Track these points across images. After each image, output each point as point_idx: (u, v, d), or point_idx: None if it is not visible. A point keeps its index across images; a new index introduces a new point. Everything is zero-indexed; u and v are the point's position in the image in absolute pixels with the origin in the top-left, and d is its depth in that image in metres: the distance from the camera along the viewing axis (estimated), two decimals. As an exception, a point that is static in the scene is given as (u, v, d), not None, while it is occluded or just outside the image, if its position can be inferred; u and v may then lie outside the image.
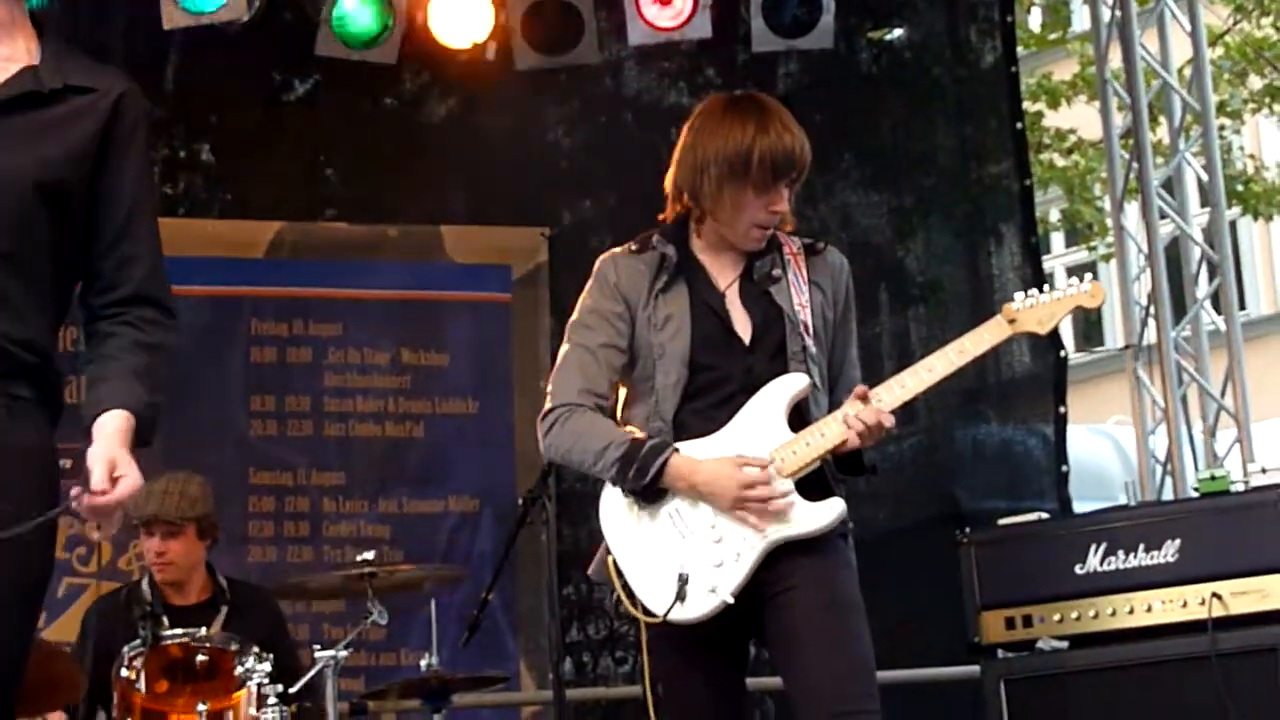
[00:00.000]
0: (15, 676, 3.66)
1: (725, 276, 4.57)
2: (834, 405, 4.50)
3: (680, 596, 4.29)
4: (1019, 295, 4.57)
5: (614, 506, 4.48)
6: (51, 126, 3.64)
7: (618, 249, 4.66)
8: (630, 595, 4.40)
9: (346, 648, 5.75)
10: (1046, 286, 4.59)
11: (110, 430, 3.60)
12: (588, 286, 4.65)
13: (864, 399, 4.37)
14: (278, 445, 8.47)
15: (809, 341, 4.50)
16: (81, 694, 5.74)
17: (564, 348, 4.62)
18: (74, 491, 3.57)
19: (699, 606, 4.31)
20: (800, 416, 4.46)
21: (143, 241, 3.78)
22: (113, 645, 5.61)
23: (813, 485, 4.41)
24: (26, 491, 3.59)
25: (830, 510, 4.38)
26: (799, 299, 4.54)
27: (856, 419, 4.34)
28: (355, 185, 8.99)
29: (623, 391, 4.59)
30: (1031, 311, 4.53)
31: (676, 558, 4.34)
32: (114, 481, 3.55)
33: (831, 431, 4.38)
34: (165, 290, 3.82)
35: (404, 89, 8.95)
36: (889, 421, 4.38)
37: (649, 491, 4.37)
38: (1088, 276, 4.66)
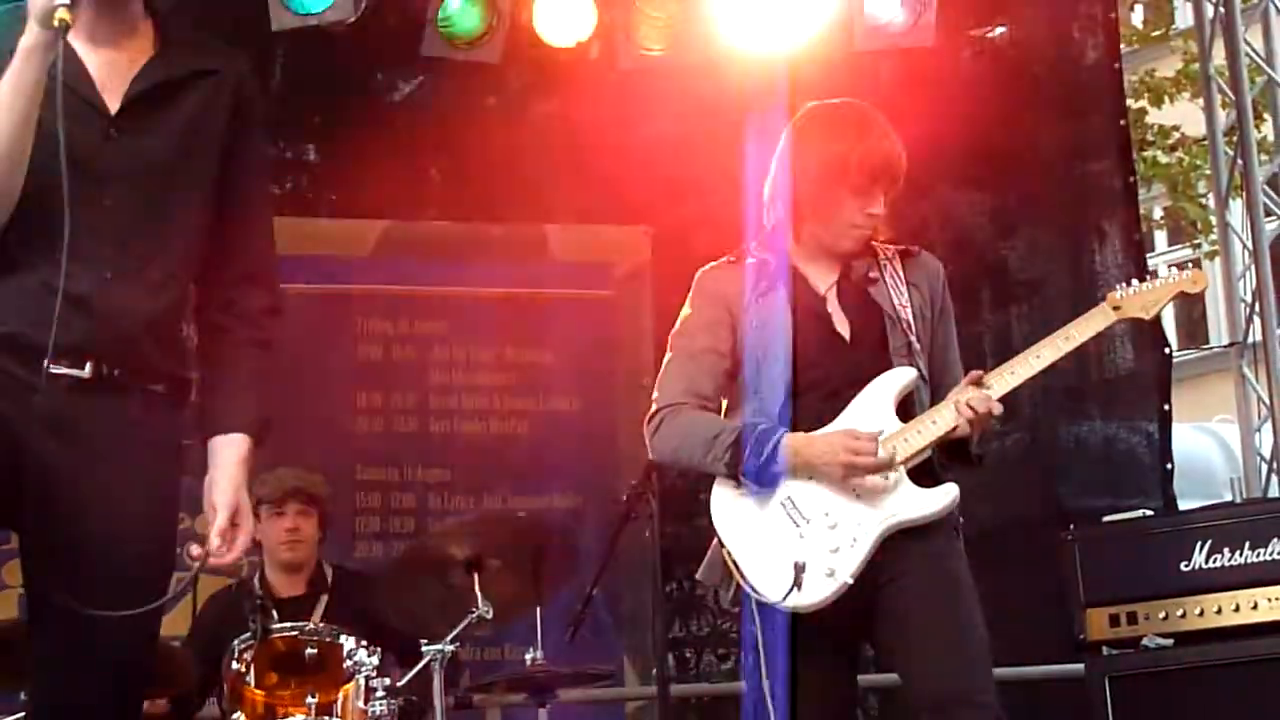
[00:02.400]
0: (141, 661, 3.79)
1: (824, 280, 4.61)
2: (937, 403, 4.52)
3: (797, 584, 4.31)
4: (1121, 284, 4.60)
5: (724, 500, 4.51)
6: (186, 111, 3.76)
7: (715, 263, 4.71)
8: (749, 585, 4.42)
9: (453, 642, 5.80)
10: (1152, 272, 4.61)
11: (233, 462, 3.76)
12: (689, 298, 4.70)
13: (978, 384, 4.39)
14: (383, 442, 8.57)
15: (911, 337, 4.53)
16: (192, 685, 5.81)
17: (667, 357, 4.68)
18: (195, 551, 3.72)
19: (818, 592, 4.33)
20: (908, 410, 4.48)
21: (259, 224, 3.95)
22: (224, 638, 5.68)
23: (923, 474, 4.44)
24: (159, 477, 3.74)
25: (945, 495, 4.41)
26: (898, 299, 4.57)
27: (967, 405, 4.37)
28: (459, 184, 9.05)
29: (726, 401, 4.62)
30: (1136, 298, 4.56)
31: (791, 546, 4.37)
32: (234, 528, 3.71)
33: (943, 418, 4.40)
34: (273, 272, 3.96)
35: (508, 88, 9.00)
36: (997, 409, 4.41)
37: (764, 474, 4.39)
38: (1189, 264, 4.68)
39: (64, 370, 3.59)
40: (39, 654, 3.74)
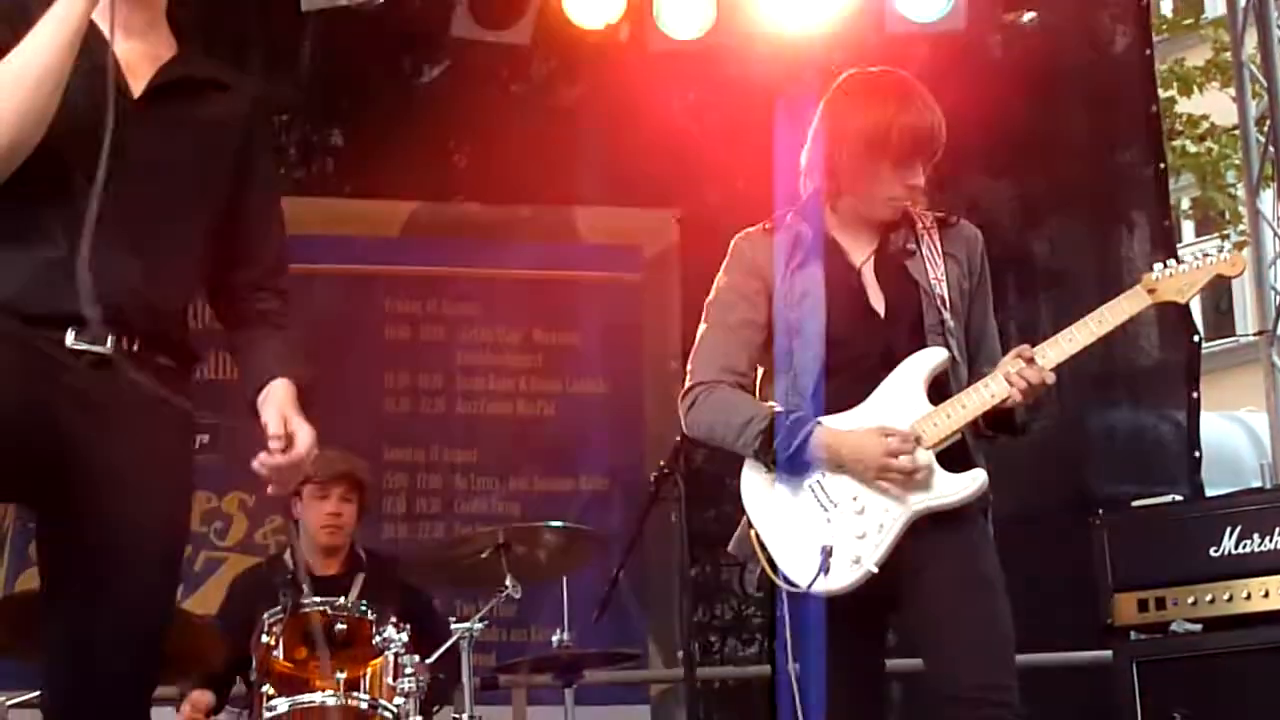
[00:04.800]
0: (158, 636, 3.79)
1: (860, 252, 4.57)
2: (974, 376, 4.49)
3: (824, 568, 4.30)
4: (1158, 266, 4.52)
5: (755, 482, 4.50)
6: (203, 110, 3.87)
7: (752, 229, 4.67)
8: (773, 568, 4.42)
9: (481, 620, 5.81)
10: (1186, 256, 4.57)
11: (280, 395, 3.82)
12: (724, 266, 4.66)
13: (1029, 360, 4.37)
14: (411, 423, 8.59)
15: (946, 314, 4.49)
16: (221, 663, 5.82)
17: (702, 327, 4.64)
18: (260, 458, 3.76)
19: (843, 577, 4.32)
20: (939, 390, 4.46)
21: (275, 231, 4.05)
22: (255, 614, 5.69)
23: (954, 458, 4.42)
24: (177, 453, 3.81)
25: (973, 481, 4.38)
26: (935, 272, 4.53)
27: (1019, 376, 4.35)
28: (487, 167, 9.07)
29: (760, 370, 4.61)
30: (1171, 281, 4.50)
31: (819, 530, 4.35)
32: (289, 437, 3.75)
33: (973, 402, 4.38)
34: (288, 271, 4.06)
35: (536, 71, 9.01)
36: (1050, 379, 4.38)
37: (793, 464, 4.38)
38: (1226, 245, 4.63)
39: (86, 346, 3.65)
40: (53, 636, 3.76)
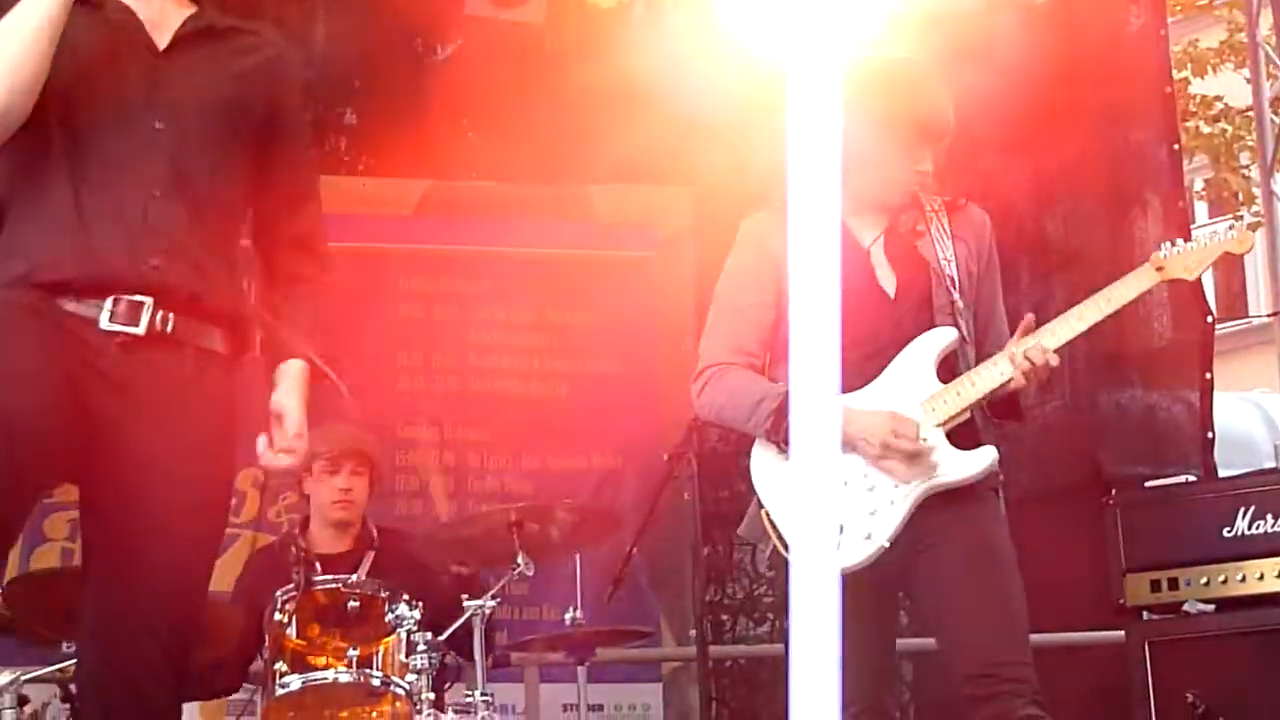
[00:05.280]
0: (189, 616, 3.84)
1: (869, 234, 4.59)
2: (981, 359, 4.51)
3: (836, 545, 4.30)
4: (1165, 244, 4.55)
5: (765, 461, 4.52)
6: (228, 56, 3.95)
7: (759, 212, 4.69)
8: (785, 547, 4.42)
9: (493, 598, 5.82)
10: (1196, 236, 4.57)
11: (295, 379, 3.94)
12: (733, 249, 4.69)
13: (1031, 330, 4.37)
14: (424, 401, 8.60)
15: (955, 295, 4.51)
16: (236, 640, 5.83)
17: (712, 310, 4.67)
18: (263, 446, 3.84)
19: (855, 554, 4.34)
20: (949, 369, 4.48)
21: (309, 189, 4.12)
22: (268, 592, 5.70)
23: (963, 436, 4.42)
24: (212, 434, 3.86)
25: (983, 458, 4.40)
26: (944, 253, 4.55)
27: (1024, 357, 4.35)
28: (501, 145, 9.07)
29: (770, 352, 4.62)
30: (1179, 258, 4.52)
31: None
32: (297, 437, 3.89)
33: (983, 380, 4.39)
34: (323, 232, 4.14)
35: (550, 49, 8.99)
36: (1054, 360, 4.40)
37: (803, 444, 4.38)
38: (1233, 223, 4.63)
39: (119, 328, 3.69)
40: (86, 612, 3.78)
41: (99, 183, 3.74)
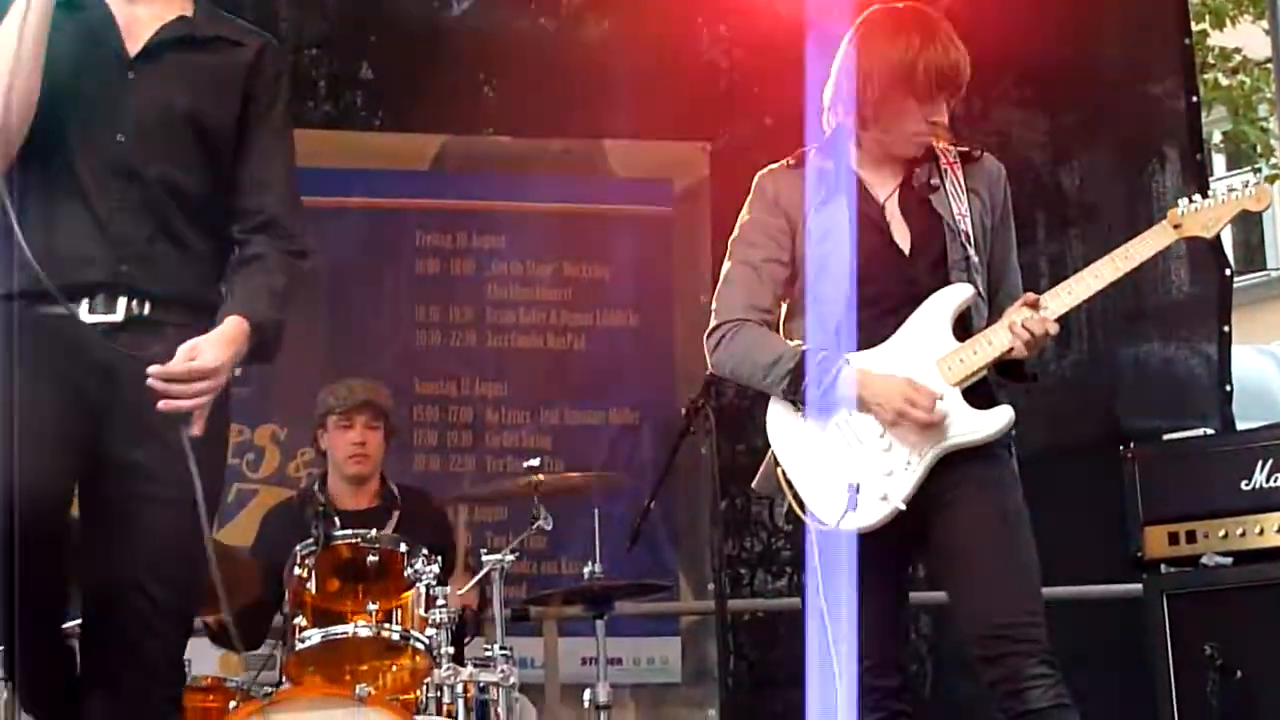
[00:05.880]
0: (183, 579, 3.93)
1: (884, 188, 4.57)
2: (995, 312, 4.50)
3: (852, 504, 4.32)
4: (1183, 201, 4.50)
5: (781, 418, 4.51)
6: (203, 69, 4.00)
7: (775, 164, 4.67)
8: (801, 505, 4.43)
9: (512, 553, 5.84)
10: (1211, 191, 4.54)
11: (220, 330, 3.88)
12: (747, 203, 4.67)
13: (1033, 306, 4.37)
14: (441, 356, 8.62)
15: (970, 250, 4.49)
16: (256, 595, 5.85)
17: (726, 264, 4.65)
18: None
19: (871, 514, 4.34)
20: (964, 326, 4.47)
21: (279, 181, 4.13)
22: (288, 547, 5.72)
23: (978, 395, 4.42)
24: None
25: (1000, 417, 4.39)
26: (958, 208, 4.53)
27: (1023, 327, 4.34)
28: (517, 100, 9.04)
29: (785, 305, 4.61)
30: (1196, 216, 4.47)
31: (846, 467, 4.37)
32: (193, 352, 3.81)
33: (999, 339, 4.38)
34: (301, 226, 4.15)
35: (566, 4, 8.99)
36: (1054, 329, 4.38)
37: (822, 403, 4.39)
38: (1251, 179, 4.60)
39: (99, 319, 3.83)
40: (86, 572, 3.89)
41: (67, 193, 3.86)
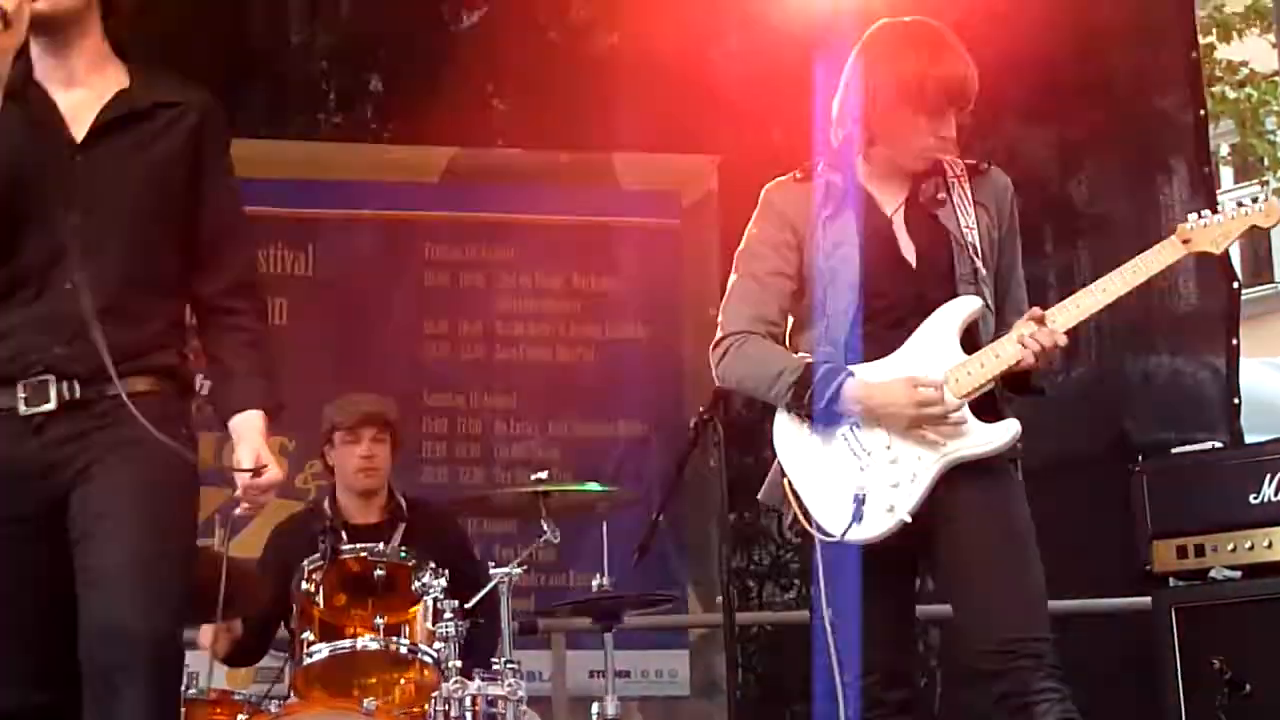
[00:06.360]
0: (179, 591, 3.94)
1: (891, 201, 4.57)
2: (1001, 325, 4.50)
3: (857, 516, 4.32)
4: (1192, 216, 4.48)
5: (787, 429, 4.51)
6: (149, 138, 4.07)
7: (783, 177, 4.67)
8: (806, 517, 4.43)
9: (520, 565, 5.84)
10: (1220, 206, 4.53)
11: (252, 429, 4.09)
12: (754, 216, 4.66)
13: (1040, 321, 4.37)
14: (450, 368, 8.63)
15: (978, 263, 4.48)
16: (263, 608, 5.85)
17: (733, 277, 4.65)
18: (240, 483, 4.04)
19: (877, 526, 4.34)
20: (971, 339, 4.46)
21: (240, 236, 4.26)
22: (295, 561, 5.72)
23: (985, 408, 4.42)
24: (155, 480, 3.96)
25: (1006, 430, 4.38)
26: (965, 221, 4.52)
27: (1033, 339, 4.34)
28: (526, 113, 9.06)
29: (791, 319, 4.61)
30: (1205, 231, 4.46)
31: (852, 478, 4.36)
32: (261, 470, 4.04)
33: (1006, 352, 4.38)
34: (257, 278, 4.31)
35: (574, 17, 9.00)
36: (1063, 341, 4.37)
37: (827, 415, 4.39)
38: (1262, 195, 4.58)
39: (34, 410, 3.91)
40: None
41: (18, 280, 3.95)
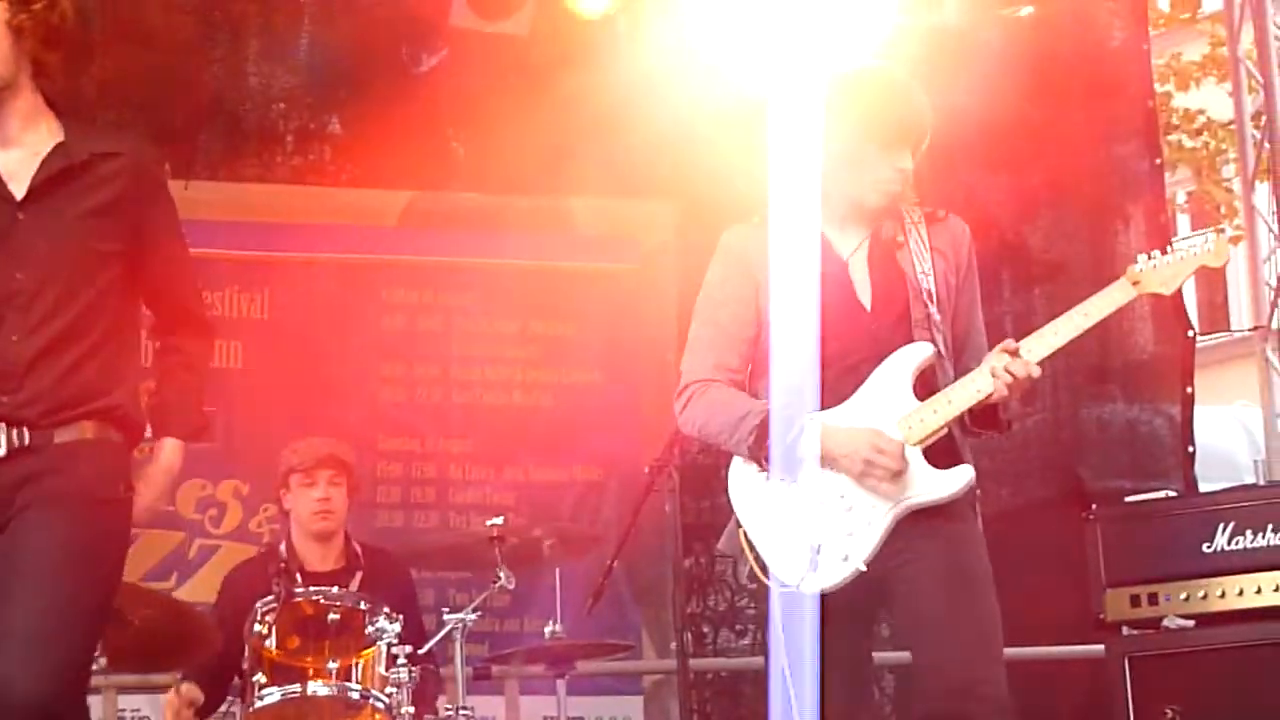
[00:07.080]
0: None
1: (848, 245, 4.59)
2: (960, 372, 4.51)
3: (814, 565, 4.32)
4: (1141, 257, 4.49)
5: (743, 479, 4.52)
6: (88, 188, 4.16)
7: (740, 225, 4.69)
8: (763, 567, 4.43)
9: (474, 611, 5.82)
10: (1170, 247, 4.53)
11: (161, 458, 4.29)
12: (713, 261, 4.68)
13: (1014, 353, 4.37)
14: (407, 412, 8.61)
15: (933, 309, 4.51)
16: (218, 655, 5.82)
17: (694, 324, 4.67)
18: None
19: (832, 575, 4.34)
20: (926, 385, 4.47)
21: (184, 275, 4.44)
22: (249, 606, 5.69)
23: (941, 454, 4.42)
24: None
25: (960, 478, 4.39)
26: (922, 266, 4.55)
27: (1005, 370, 4.35)
28: (484, 157, 9.05)
29: (751, 365, 4.62)
30: (1155, 272, 4.47)
31: (808, 527, 4.36)
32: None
33: (959, 397, 4.38)
34: (202, 309, 4.51)
35: (534, 62, 8.99)
36: (1036, 372, 4.38)
37: (785, 461, 4.39)
38: (1209, 235, 4.57)
39: None
40: None
41: None
